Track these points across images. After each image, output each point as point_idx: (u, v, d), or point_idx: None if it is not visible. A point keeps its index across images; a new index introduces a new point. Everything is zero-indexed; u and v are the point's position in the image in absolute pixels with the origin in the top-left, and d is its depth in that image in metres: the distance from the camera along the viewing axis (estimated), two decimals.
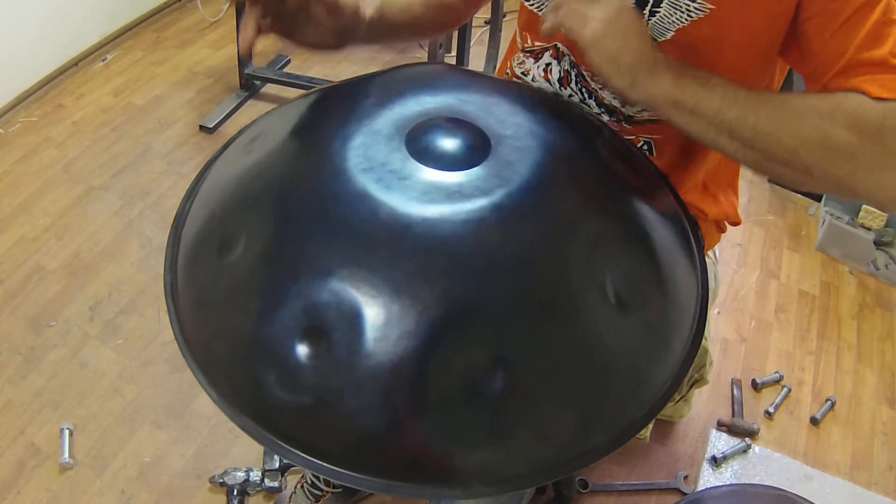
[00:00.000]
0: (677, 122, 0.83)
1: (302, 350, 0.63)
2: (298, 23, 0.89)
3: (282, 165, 0.77)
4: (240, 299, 0.69)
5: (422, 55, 2.86)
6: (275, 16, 0.86)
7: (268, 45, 2.85)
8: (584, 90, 1.00)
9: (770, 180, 2.55)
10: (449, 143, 0.75)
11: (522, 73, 1.07)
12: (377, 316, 0.62)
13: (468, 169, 0.71)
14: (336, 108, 0.84)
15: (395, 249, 0.65)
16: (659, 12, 0.88)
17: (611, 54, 0.81)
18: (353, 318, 0.62)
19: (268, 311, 0.66)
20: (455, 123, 0.77)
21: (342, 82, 0.91)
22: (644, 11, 0.88)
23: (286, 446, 0.64)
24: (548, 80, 1.04)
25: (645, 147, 1.02)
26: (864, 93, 0.76)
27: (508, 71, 1.11)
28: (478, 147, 0.74)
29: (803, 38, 0.84)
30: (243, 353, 0.68)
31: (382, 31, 0.99)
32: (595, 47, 0.80)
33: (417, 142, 0.74)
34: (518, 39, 1.08)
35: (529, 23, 1.03)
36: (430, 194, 0.68)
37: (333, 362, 0.62)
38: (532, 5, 1.00)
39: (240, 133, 0.90)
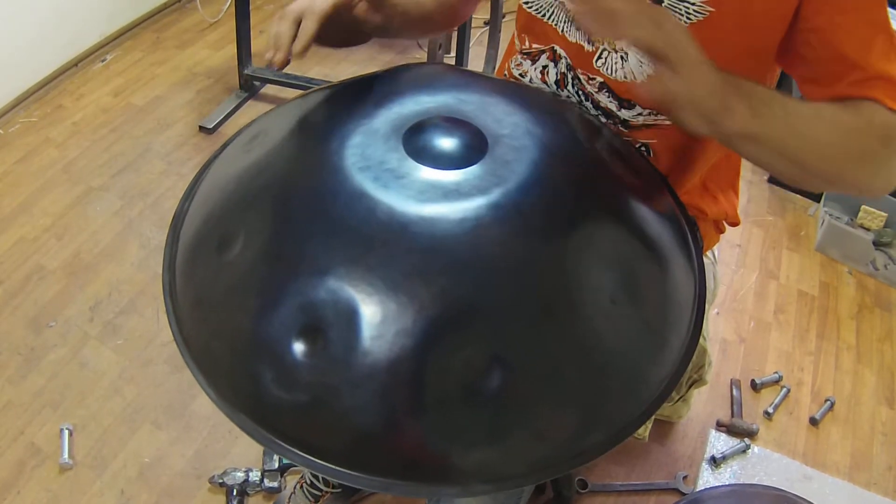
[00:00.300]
0: (741, 150, 0.82)
1: (300, 348, 0.63)
2: (334, 25, 0.86)
3: (280, 165, 0.77)
4: (238, 298, 0.69)
5: (421, 55, 2.87)
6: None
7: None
8: (580, 93, 1.01)
9: (771, 180, 2.55)
10: (446, 143, 0.75)
11: (520, 74, 1.07)
12: (374, 314, 0.62)
13: (465, 168, 0.72)
14: (334, 107, 0.85)
15: (393, 248, 0.65)
16: None
17: (692, 104, 0.74)
18: (351, 316, 0.62)
19: (266, 310, 0.66)
20: (452, 123, 0.77)
21: (340, 82, 0.91)
22: None
23: (284, 445, 0.64)
24: (545, 83, 1.04)
25: (642, 150, 1.02)
26: (881, 104, 0.80)
27: (506, 72, 1.11)
28: (475, 146, 0.74)
29: (805, 45, 0.84)
30: (242, 351, 0.68)
31: (403, 25, 0.98)
32: (675, 104, 0.75)
33: (415, 141, 0.74)
34: (516, 41, 1.09)
35: (527, 25, 1.04)
36: (427, 193, 0.68)
37: (331, 360, 0.63)
38: (530, 7, 1.00)
39: (238, 133, 0.90)
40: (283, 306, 0.65)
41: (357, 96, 0.85)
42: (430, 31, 1.16)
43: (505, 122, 0.78)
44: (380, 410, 0.62)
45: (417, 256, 0.65)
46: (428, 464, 0.64)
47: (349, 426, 0.63)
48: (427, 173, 0.71)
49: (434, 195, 0.68)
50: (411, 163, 0.72)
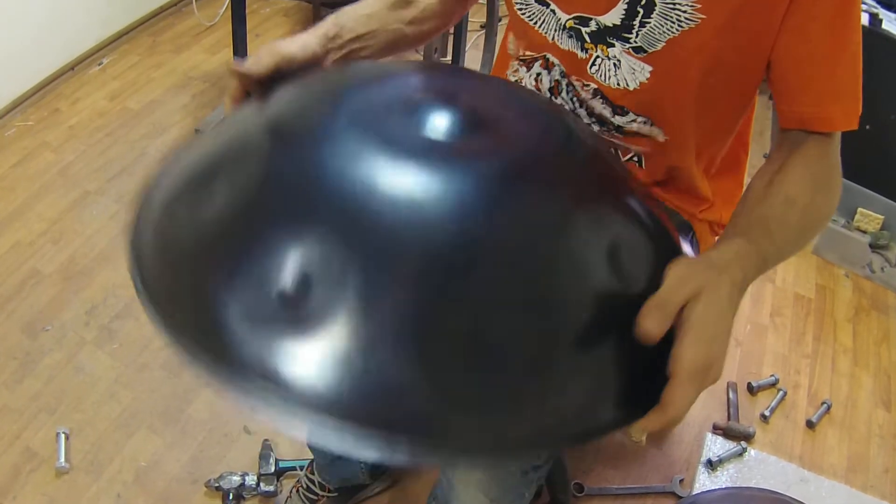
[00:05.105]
0: None
1: (278, 302, 0.61)
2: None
3: (265, 135, 0.76)
4: (214, 247, 0.66)
5: (417, 59, 2.87)
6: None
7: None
8: (574, 100, 1.01)
9: None
10: (435, 132, 0.75)
11: (516, 81, 1.07)
12: (364, 277, 0.61)
13: (457, 156, 0.71)
14: (323, 87, 0.84)
15: (380, 225, 0.64)
16: (649, 23, 0.88)
17: None
18: (339, 276, 0.61)
19: (243, 262, 0.63)
20: (443, 114, 0.77)
21: (330, 69, 0.91)
22: (634, 22, 0.88)
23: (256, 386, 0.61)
24: (538, 90, 1.04)
25: (635, 159, 1.02)
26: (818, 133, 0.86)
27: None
28: (463, 139, 0.74)
29: (786, 51, 0.86)
30: (211, 303, 0.64)
31: (373, 55, 0.99)
32: None
33: (403, 123, 0.74)
34: (511, 47, 1.08)
35: (521, 31, 1.03)
36: (416, 174, 0.68)
37: (315, 318, 0.61)
38: (523, 13, 1.00)
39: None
40: (263, 259, 0.62)
41: (346, 80, 0.84)
42: (411, 46, 1.15)
43: (496, 119, 0.78)
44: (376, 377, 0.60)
45: (406, 237, 0.64)
46: (426, 432, 0.62)
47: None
48: (417, 155, 0.70)
49: (423, 178, 0.67)
50: (400, 147, 0.71)
